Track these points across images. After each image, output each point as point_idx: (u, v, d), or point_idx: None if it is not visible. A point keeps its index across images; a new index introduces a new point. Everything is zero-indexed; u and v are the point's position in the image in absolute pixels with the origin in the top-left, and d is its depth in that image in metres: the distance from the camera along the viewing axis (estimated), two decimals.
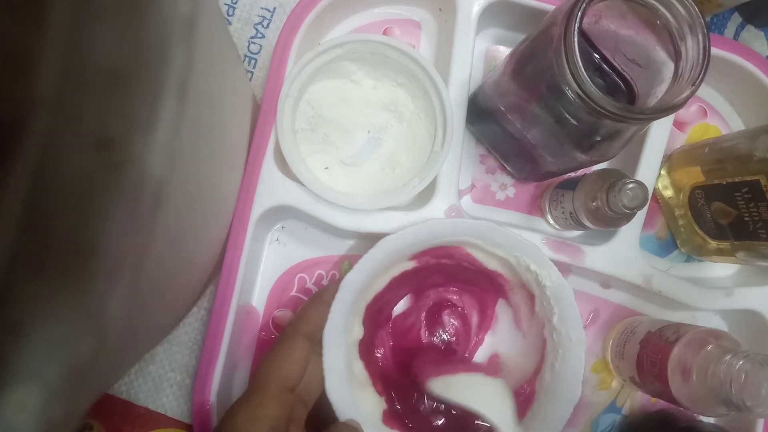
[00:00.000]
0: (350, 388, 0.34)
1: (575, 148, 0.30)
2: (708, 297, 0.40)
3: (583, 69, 0.25)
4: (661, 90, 0.28)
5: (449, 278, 0.39)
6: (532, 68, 0.29)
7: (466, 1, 0.38)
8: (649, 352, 0.36)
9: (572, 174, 0.39)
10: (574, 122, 0.28)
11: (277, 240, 0.41)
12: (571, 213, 0.37)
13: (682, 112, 0.43)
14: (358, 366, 0.36)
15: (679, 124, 0.43)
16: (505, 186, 0.42)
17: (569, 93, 0.26)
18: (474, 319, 0.40)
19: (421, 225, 0.35)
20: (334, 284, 0.34)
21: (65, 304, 0.12)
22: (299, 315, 0.34)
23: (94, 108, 0.12)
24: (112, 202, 0.12)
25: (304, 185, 0.36)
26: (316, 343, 0.32)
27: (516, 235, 0.36)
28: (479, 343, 0.40)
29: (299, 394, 0.32)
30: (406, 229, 0.35)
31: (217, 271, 0.37)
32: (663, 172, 0.41)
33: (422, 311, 0.40)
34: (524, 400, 0.37)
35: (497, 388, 0.34)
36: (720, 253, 0.40)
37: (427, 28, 0.42)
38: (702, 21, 0.26)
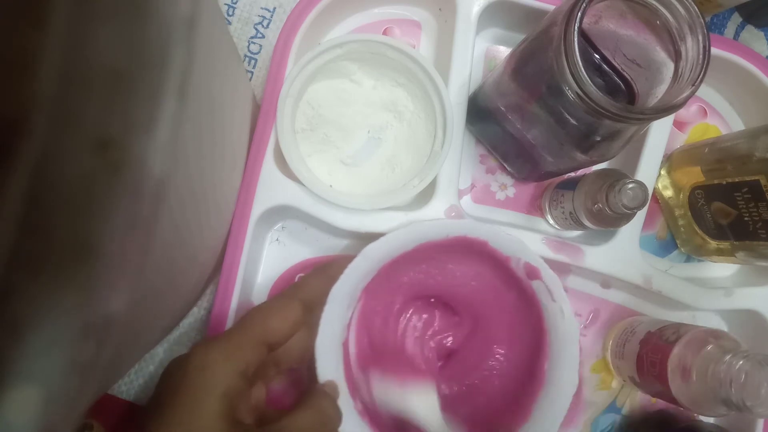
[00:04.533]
0: (339, 350, 0.34)
1: (575, 148, 0.30)
2: (708, 297, 0.40)
3: (583, 69, 0.25)
4: (661, 90, 0.28)
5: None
6: (532, 68, 0.30)
7: (466, 1, 0.38)
8: (649, 352, 0.36)
9: (572, 174, 0.39)
10: (574, 122, 0.28)
11: (277, 240, 0.41)
12: (570, 213, 0.37)
13: (682, 112, 0.43)
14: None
15: (679, 124, 0.43)
16: (505, 186, 0.42)
17: (569, 93, 0.26)
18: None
19: (403, 229, 0.35)
20: (341, 259, 0.34)
21: (66, 304, 0.12)
22: (301, 281, 0.33)
23: (94, 108, 0.12)
24: (113, 202, 0.12)
25: (304, 185, 0.36)
26: (309, 313, 0.31)
27: (498, 230, 0.36)
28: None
29: (276, 356, 0.31)
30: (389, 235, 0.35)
31: (217, 271, 0.37)
32: (663, 172, 0.41)
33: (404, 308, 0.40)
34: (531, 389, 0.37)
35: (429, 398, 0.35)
36: (720, 253, 0.40)
37: (427, 28, 0.42)
38: (702, 21, 0.26)
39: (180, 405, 0.25)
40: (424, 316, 0.40)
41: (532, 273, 0.36)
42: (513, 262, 0.36)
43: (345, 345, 0.35)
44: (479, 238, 0.36)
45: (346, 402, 0.33)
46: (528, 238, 0.38)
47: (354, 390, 0.35)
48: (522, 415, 0.36)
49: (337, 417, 0.31)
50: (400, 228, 0.35)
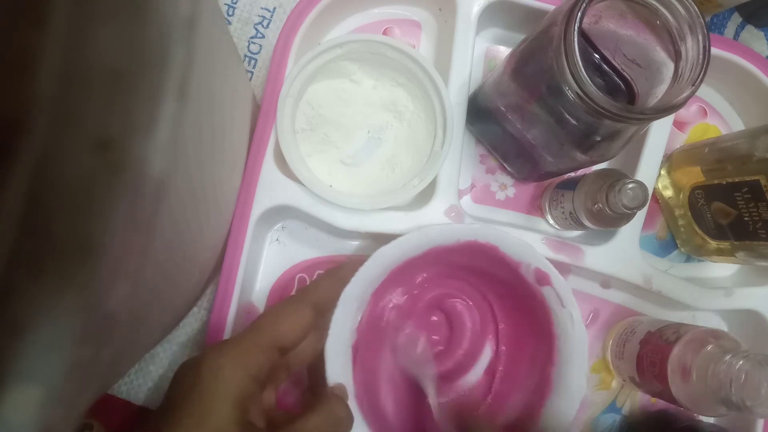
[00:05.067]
0: (348, 353, 0.34)
1: (575, 148, 0.30)
2: (708, 297, 0.40)
3: (583, 69, 0.25)
4: (661, 90, 0.28)
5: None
6: (532, 68, 0.30)
7: (466, 1, 0.38)
8: (649, 352, 0.36)
9: (572, 174, 0.39)
10: (574, 122, 0.28)
11: (277, 240, 0.41)
12: (570, 213, 0.37)
13: (682, 112, 0.43)
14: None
15: (679, 124, 0.43)
16: (505, 186, 0.42)
17: (569, 93, 0.26)
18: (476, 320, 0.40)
19: (414, 233, 0.35)
20: (351, 262, 0.34)
21: (66, 304, 0.12)
22: (312, 285, 0.33)
23: (94, 108, 0.12)
24: (113, 203, 0.12)
25: (304, 185, 0.36)
26: (320, 316, 0.32)
27: (508, 235, 0.36)
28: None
29: (287, 360, 0.31)
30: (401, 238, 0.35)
31: (217, 271, 0.37)
32: (663, 172, 0.41)
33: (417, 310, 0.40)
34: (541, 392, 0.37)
35: None
36: (720, 253, 0.40)
37: (427, 28, 0.42)
38: (702, 21, 0.26)
39: (193, 410, 0.25)
40: (434, 318, 0.40)
41: (542, 279, 0.36)
42: (523, 267, 0.36)
43: (354, 348, 0.35)
44: (489, 242, 0.35)
45: (354, 405, 0.33)
46: (528, 238, 0.38)
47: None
48: (530, 420, 0.36)
49: (348, 420, 0.31)
50: (412, 232, 0.35)
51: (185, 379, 0.26)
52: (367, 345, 0.37)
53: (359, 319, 0.35)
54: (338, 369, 0.33)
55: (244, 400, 0.26)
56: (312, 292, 0.32)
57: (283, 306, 0.31)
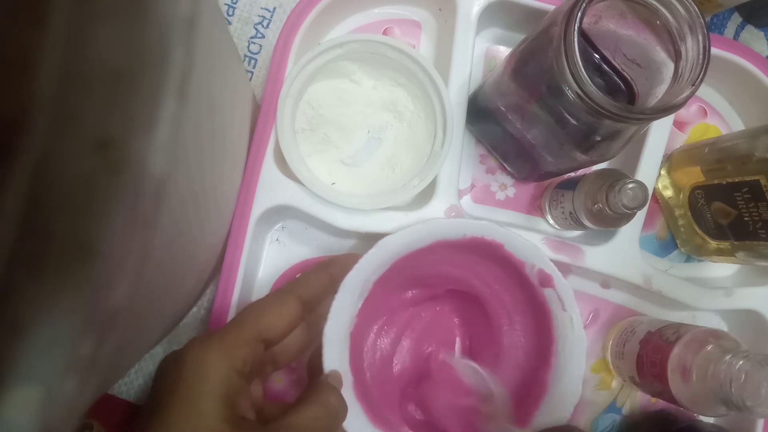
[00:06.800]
0: (346, 340, 0.34)
1: (575, 148, 0.30)
2: (708, 297, 0.40)
3: (583, 69, 0.25)
4: (661, 90, 0.28)
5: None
6: (532, 68, 0.30)
7: (466, 1, 0.38)
8: (649, 352, 0.36)
9: (572, 174, 0.39)
10: (574, 122, 0.28)
11: (277, 240, 0.41)
12: (570, 213, 0.37)
13: (682, 112, 0.43)
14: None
15: (679, 124, 0.43)
16: (505, 186, 0.42)
17: (569, 93, 0.26)
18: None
19: (421, 224, 0.35)
20: (343, 256, 0.34)
21: (66, 304, 0.12)
22: (300, 279, 0.32)
23: (94, 108, 0.12)
24: (113, 202, 0.12)
25: (304, 185, 0.36)
26: (308, 311, 0.31)
27: (515, 234, 0.36)
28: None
29: (273, 353, 0.30)
30: (405, 230, 0.35)
31: (217, 271, 0.37)
32: (663, 172, 0.41)
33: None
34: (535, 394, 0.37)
35: None
36: (720, 253, 0.40)
37: (427, 28, 0.42)
38: (702, 21, 0.26)
39: (179, 408, 0.24)
40: (432, 315, 0.40)
41: (545, 280, 0.36)
42: (527, 268, 0.36)
43: (352, 335, 0.35)
44: (495, 240, 0.35)
45: (349, 393, 0.33)
46: (528, 238, 0.38)
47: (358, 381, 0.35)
48: (522, 422, 0.36)
49: (343, 411, 0.30)
50: (417, 224, 0.35)
51: (169, 375, 0.26)
52: (366, 333, 0.37)
53: (359, 306, 0.35)
54: (335, 355, 0.33)
55: (231, 394, 0.25)
56: (300, 285, 0.31)
57: (268, 299, 0.30)
